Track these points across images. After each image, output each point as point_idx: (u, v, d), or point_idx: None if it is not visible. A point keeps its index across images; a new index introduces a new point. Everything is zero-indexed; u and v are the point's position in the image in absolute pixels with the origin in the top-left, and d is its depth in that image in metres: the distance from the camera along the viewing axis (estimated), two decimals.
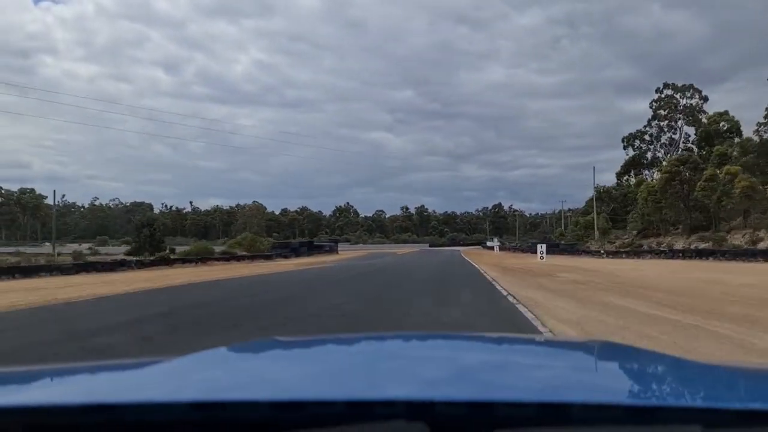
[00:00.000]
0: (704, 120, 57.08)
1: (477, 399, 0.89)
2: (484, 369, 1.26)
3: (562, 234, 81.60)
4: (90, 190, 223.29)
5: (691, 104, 59.22)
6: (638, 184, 50.45)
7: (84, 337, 7.54)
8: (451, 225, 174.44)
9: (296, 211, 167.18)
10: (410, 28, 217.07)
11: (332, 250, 63.68)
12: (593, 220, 66.31)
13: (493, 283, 16.42)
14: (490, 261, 35.87)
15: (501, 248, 76.31)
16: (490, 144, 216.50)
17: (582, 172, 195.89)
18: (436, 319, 8.89)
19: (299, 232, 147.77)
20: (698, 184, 38.21)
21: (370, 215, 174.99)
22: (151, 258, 33.47)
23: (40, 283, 18.64)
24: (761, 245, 31.92)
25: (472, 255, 54.90)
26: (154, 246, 55.71)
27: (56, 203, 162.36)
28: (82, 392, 1.14)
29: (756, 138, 44.64)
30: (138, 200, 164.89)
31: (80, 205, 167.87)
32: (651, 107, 60.65)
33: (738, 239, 34.97)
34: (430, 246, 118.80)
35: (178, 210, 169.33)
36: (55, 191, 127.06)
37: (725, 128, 51.90)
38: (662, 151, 60.70)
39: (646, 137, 61.23)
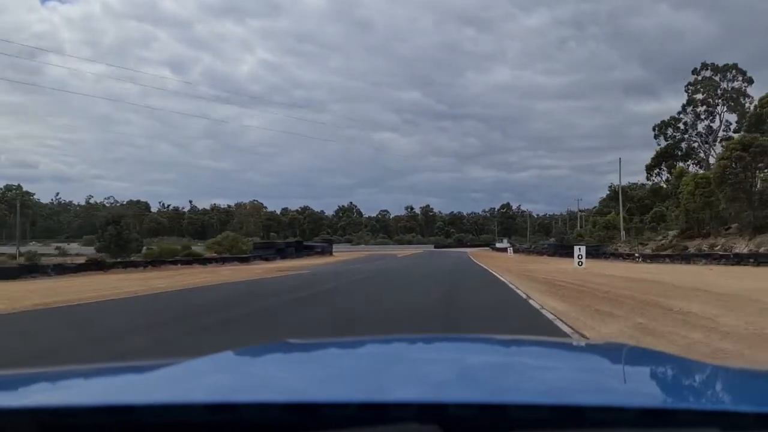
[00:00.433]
0: (749, 105, 49.87)
1: (490, 401, 0.88)
2: (497, 371, 1.25)
3: (580, 235, 74.36)
4: (98, 190, 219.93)
5: (734, 87, 51.94)
6: (679, 175, 43.13)
7: None
8: (458, 225, 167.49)
9: (297, 211, 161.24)
10: (417, 28, 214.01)
11: (325, 252, 56.78)
12: (613, 219, 59.97)
13: (558, 322, 8.56)
14: (512, 268, 28.08)
15: (514, 250, 68.67)
16: (497, 145, 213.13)
17: (589, 173, 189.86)
18: None
19: (300, 232, 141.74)
20: (763, 173, 31.07)
21: (374, 215, 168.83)
22: (79, 263, 26.62)
23: None
24: None
25: (483, 258, 47.85)
26: (120, 245, 49.82)
27: (51, 201, 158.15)
28: (95, 393, 1.15)
29: None
30: (135, 199, 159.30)
31: (77, 203, 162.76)
32: (686, 91, 53.36)
33: None
34: (435, 247, 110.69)
35: (176, 209, 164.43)
36: (20, 186, 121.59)
37: None
38: (698, 140, 53.48)
39: (680, 125, 53.96)
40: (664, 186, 54.85)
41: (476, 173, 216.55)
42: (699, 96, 52.69)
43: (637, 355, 1.59)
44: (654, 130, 54.26)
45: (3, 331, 8.84)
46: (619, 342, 1.94)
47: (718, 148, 48.16)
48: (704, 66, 52.97)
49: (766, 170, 31.54)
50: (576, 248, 22.46)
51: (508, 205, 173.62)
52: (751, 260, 27.22)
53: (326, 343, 1.86)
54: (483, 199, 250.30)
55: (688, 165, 52.83)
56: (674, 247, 39.65)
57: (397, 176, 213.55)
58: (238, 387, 1.11)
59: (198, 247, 52.79)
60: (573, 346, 2.21)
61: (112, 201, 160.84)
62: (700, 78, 53.05)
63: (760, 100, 45.03)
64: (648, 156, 56.11)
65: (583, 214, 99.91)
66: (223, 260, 36.20)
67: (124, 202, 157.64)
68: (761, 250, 29.51)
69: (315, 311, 11.27)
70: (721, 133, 52.16)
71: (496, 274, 22.62)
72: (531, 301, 12.00)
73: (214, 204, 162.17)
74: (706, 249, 35.03)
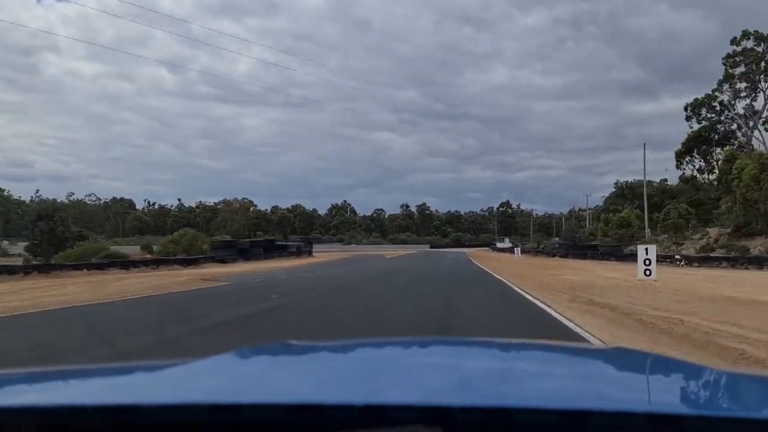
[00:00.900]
0: None
1: (494, 405, 0.87)
2: (501, 375, 1.24)
3: (593, 234, 66.54)
4: (96, 190, 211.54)
5: None
6: (729, 159, 35.36)
7: None
8: (455, 225, 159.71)
9: (287, 209, 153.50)
10: (415, 28, 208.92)
11: (301, 252, 48.83)
12: (627, 216, 52.69)
13: None
14: (537, 279, 18.52)
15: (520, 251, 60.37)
16: (495, 145, 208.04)
17: (587, 174, 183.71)
18: None
19: (291, 231, 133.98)
20: None
21: (369, 214, 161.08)
22: None
23: None
24: None
25: (487, 261, 39.93)
26: (56, 244, 42.25)
27: (32, 199, 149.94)
28: (95, 393, 1.14)
29: None
30: (117, 196, 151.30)
31: (59, 201, 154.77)
32: (724, 64, 45.59)
33: None
34: (431, 247, 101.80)
35: (161, 207, 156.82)
36: None
37: None
38: (738, 122, 45.71)
39: (716, 105, 46.21)
40: (696, 176, 47.01)
41: (474, 173, 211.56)
42: (739, 70, 44.95)
43: (645, 360, 1.57)
44: (686, 110, 46.53)
45: None
46: (628, 347, 1.93)
47: (763, 132, 40.47)
48: (745, 35, 45.18)
49: None
50: (641, 249, 14.44)
51: (507, 204, 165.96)
52: None
53: (329, 345, 1.80)
54: (481, 200, 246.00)
55: (726, 151, 45.15)
56: (727, 247, 31.90)
57: (395, 176, 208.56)
58: (239, 388, 1.09)
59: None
60: (580, 351, 2.16)
61: (93, 198, 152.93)
62: (739, 49, 45.29)
63: None
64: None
65: (590, 212, 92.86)
66: (157, 263, 28.32)
67: (108, 200, 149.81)
68: None
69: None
70: (765, 113, 44.46)
71: (523, 292, 14.33)
72: None
73: (200, 202, 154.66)
74: None
